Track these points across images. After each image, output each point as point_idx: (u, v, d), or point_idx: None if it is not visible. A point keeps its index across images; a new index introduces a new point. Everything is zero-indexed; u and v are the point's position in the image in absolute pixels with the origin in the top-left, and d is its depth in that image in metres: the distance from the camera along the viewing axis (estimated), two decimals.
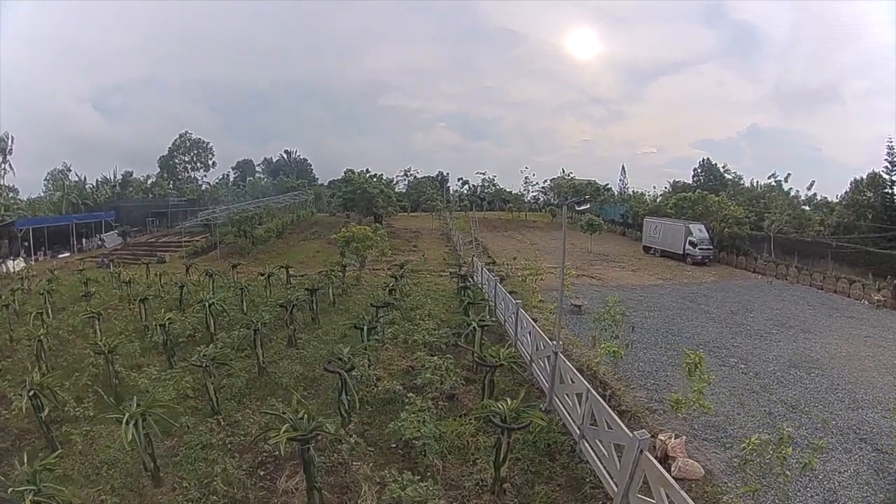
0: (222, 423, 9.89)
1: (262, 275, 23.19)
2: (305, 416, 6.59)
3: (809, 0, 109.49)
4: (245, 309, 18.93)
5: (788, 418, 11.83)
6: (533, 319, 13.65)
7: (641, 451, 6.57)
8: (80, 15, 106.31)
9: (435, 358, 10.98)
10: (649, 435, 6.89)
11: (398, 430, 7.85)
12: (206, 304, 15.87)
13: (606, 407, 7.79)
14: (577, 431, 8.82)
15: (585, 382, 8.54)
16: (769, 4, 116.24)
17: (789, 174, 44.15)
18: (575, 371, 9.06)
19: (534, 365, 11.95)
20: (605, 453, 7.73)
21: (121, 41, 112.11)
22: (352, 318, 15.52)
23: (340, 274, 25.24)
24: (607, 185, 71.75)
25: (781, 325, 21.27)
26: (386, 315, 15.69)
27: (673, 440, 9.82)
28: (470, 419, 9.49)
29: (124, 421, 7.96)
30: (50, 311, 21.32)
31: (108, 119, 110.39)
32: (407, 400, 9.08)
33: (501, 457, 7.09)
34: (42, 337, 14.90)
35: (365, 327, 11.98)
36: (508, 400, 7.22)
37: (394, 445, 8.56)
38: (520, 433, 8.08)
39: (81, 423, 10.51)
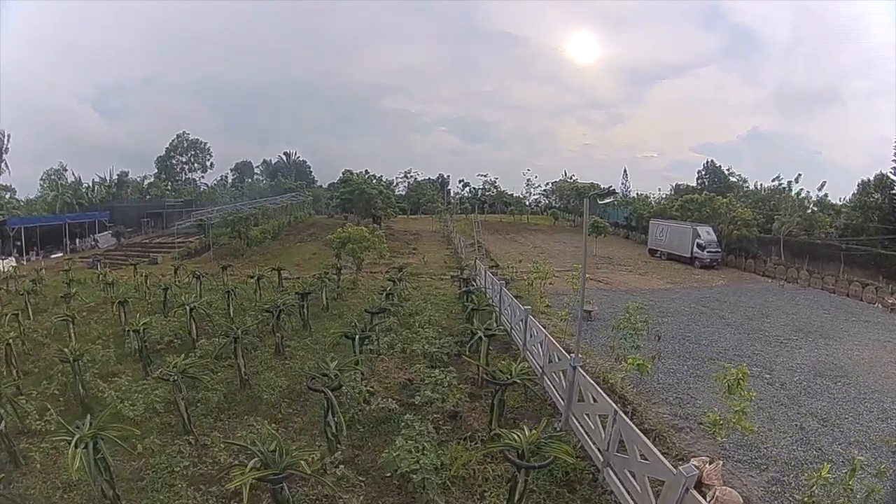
0: (193, 444, 8.65)
1: (252, 277, 21.97)
2: (278, 448, 5.37)
3: (809, 0, 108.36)
4: (231, 314, 17.70)
5: (821, 433, 11.11)
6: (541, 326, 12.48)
7: (687, 490, 5.42)
8: (80, 15, 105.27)
9: (436, 371, 9.72)
10: (697, 470, 5.75)
11: (393, 461, 6.59)
12: (188, 308, 14.66)
13: (640, 434, 6.59)
14: (601, 458, 7.62)
15: (612, 403, 7.34)
16: (768, 6, 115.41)
17: (800, 175, 43.08)
18: (598, 389, 7.85)
19: (545, 378, 10.72)
20: (637, 487, 6.54)
21: (121, 41, 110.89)
22: (346, 325, 14.27)
23: (335, 277, 23.96)
24: (610, 187, 70.57)
25: (800, 331, 20.64)
26: (382, 322, 14.45)
27: (708, 466, 8.66)
28: (476, 443, 8.28)
29: (72, 444, 6.83)
30: (31, 312, 20.35)
31: (107, 119, 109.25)
32: (404, 422, 7.82)
33: (517, 497, 5.85)
34: (11, 341, 13.74)
35: (357, 336, 10.66)
36: (525, 429, 5.98)
37: (388, 475, 7.31)
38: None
39: (44, 437, 9.32)
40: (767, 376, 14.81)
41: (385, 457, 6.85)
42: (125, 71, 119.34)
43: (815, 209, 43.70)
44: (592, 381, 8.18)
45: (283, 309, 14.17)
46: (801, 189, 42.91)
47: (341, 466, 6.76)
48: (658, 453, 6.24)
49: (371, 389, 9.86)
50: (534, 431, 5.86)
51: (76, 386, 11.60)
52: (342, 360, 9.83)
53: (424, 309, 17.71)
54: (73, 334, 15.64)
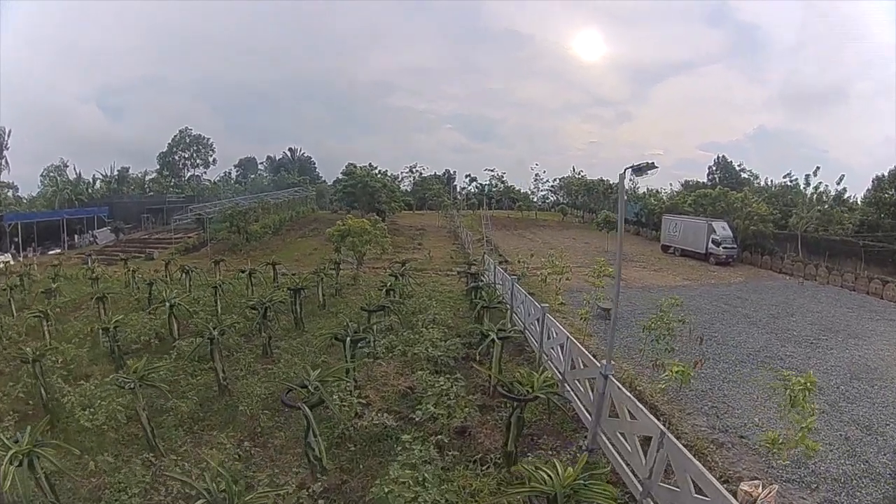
0: (154, 464, 7.34)
1: (243, 272, 20.61)
2: (227, 491, 4.05)
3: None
4: (219, 311, 16.32)
5: (866, 442, 10.14)
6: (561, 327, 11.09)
7: None
8: (80, 14, 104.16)
9: (441, 378, 8.29)
10: None
11: (385, 498, 5.18)
12: (168, 305, 13.34)
13: (696, 462, 5.24)
14: (640, 487, 6.26)
15: (656, 421, 5.98)
16: (773, 4, 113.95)
17: (818, 168, 41.40)
18: (637, 403, 6.48)
19: (566, 386, 9.34)
20: None
21: (121, 41, 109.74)
22: (340, 324, 12.88)
23: (333, 272, 22.55)
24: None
25: (827, 330, 19.49)
26: (381, 321, 13.02)
27: (761, 490, 7.33)
28: (488, 466, 6.90)
29: (6, 460, 5.91)
30: (14, 309, 19.28)
31: (109, 118, 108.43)
32: (401, 445, 6.43)
33: None
34: None
35: (348, 339, 9.21)
36: (558, 464, 4.60)
37: None
38: None
39: None
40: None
41: (375, 491, 5.45)
42: (126, 71, 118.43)
43: (833, 204, 42.13)
44: (629, 394, 6.81)
45: (269, 306, 12.75)
46: (820, 183, 41.31)
47: (321, 502, 5.39)
48: (723, 490, 4.91)
49: (364, 401, 8.45)
50: (570, 469, 4.47)
51: (38, 389, 10.48)
52: (333, 365, 8.53)
53: (429, 307, 16.25)
54: (46, 332, 14.49)
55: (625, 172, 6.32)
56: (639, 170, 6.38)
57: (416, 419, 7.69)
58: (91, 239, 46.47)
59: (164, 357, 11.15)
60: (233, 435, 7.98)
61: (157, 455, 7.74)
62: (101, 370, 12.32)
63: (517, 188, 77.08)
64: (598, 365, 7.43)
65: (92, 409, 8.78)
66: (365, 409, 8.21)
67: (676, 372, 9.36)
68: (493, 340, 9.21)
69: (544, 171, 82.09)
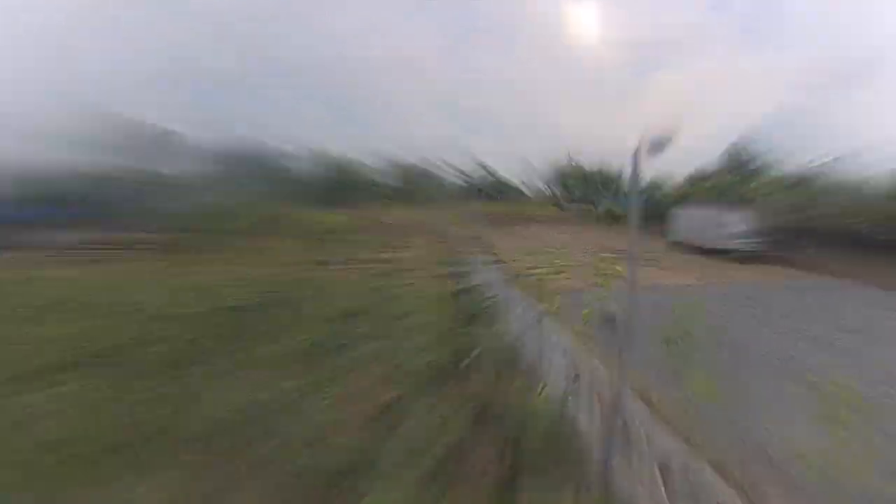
0: (104, 483, 6.42)
1: (220, 273, 19.63)
2: None
3: None
4: (192, 315, 15.27)
5: None
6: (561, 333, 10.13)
7: None
8: (67, 4, 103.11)
9: (426, 392, 7.31)
10: None
11: None
12: (139, 309, 12.46)
13: (729, 492, 4.22)
14: None
15: (679, 445, 4.96)
16: None
17: (847, 152, 38.98)
18: (654, 422, 5.47)
19: (569, 401, 8.32)
20: None
21: (115, 38, 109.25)
22: (315, 330, 11.94)
23: (313, 273, 21.57)
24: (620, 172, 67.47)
25: (852, 332, 18.26)
26: (360, 327, 12.04)
27: None
28: (481, 498, 5.90)
29: None
30: None
31: (90, 111, 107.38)
32: (378, 475, 5.44)
33: None
34: None
35: (322, 347, 8.26)
36: None
37: None
38: None
39: None
40: (828, 387, 12.77)
41: None
42: (117, 67, 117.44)
43: (865, 191, 39.40)
44: (644, 410, 5.81)
45: (243, 309, 11.81)
46: (849, 170, 38.86)
47: None
48: None
49: (337, 419, 7.44)
50: None
51: None
52: (307, 376, 7.54)
53: (413, 311, 15.31)
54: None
55: (638, 150, 5.29)
56: (654, 146, 5.36)
57: (397, 441, 6.66)
58: (59, 239, 45.67)
59: (131, 365, 10.21)
60: (197, 453, 7.05)
61: (115, 477, 6.78)
62: (68, 378, 11.42)
63: (510, 181, 75.52)
64: (606, 376, 6.43)
65: (49, 424, 7.86)
66: (337, 428, 7.21)
67: (699, 385, 8.35)
68: (485, 349, 8.28)
69: (538, 164, 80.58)
